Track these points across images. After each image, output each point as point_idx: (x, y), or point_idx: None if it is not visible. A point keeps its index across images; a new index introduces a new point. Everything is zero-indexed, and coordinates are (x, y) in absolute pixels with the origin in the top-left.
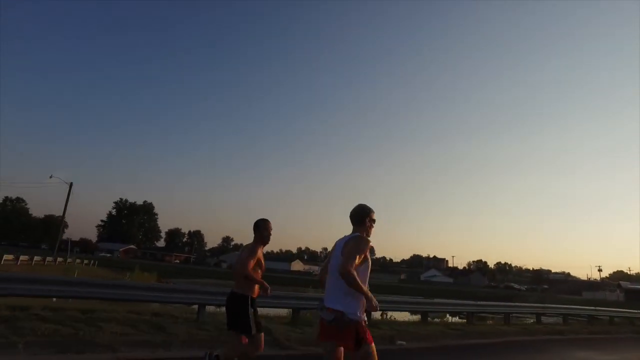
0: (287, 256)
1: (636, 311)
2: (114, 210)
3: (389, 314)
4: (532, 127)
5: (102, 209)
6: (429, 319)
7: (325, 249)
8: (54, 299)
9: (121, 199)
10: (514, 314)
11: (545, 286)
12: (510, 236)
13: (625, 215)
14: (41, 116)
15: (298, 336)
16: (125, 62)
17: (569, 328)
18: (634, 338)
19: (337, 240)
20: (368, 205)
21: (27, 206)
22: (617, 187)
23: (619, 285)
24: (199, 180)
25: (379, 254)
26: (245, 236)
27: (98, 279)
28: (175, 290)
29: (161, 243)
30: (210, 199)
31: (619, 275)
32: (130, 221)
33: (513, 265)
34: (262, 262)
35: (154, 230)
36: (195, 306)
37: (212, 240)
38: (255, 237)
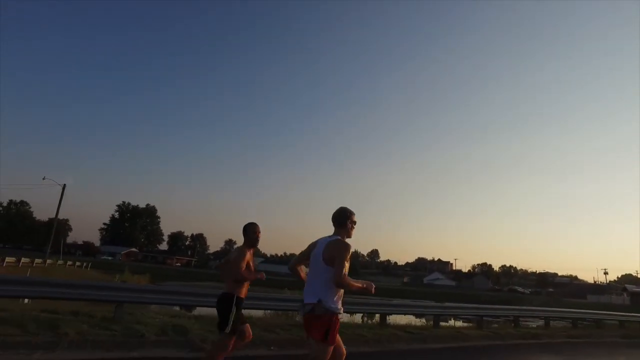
0: (290, 259)
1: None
2: (117, 213)
3: (356, 316)
4: (535, 127)
5: (106, 212)
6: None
7: None
8: None
9: (124, 202)
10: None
11: (551, 289)
12: (516, 239)
13: (634, 218)
14: (43, 118)
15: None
16: (128, 63)
17: (548, 332)
18: (616, 343)
19: (319, 238)
20: (349, 208)
21: (31, 209)
22: (625, 189)
23: (625, 289)
24: (201, 183)
25: (383, 257)
26: None
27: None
28: (92, 287)
29: (164, 246)
30: (213, 202)
31: (627, 279)
32: (133, 224)
33: (518, 268)
34: (251, 264)
35: (157, 234)
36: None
37: (214, 244)
38: (244, 241)
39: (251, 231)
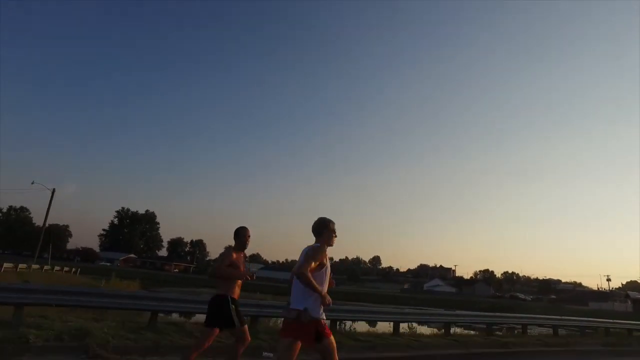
0: (292, 265)
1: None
2: (116, 219)
3: (347, 323)
4: (539, 133)
5: (107, 218)
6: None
7: (331, 258)
8: None
9: (123, 208)
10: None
11: (553, 296)
12: (519, 245)
13: (639, 224)
14: (41, 124)
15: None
16: (129, 69)
17: (519, 340)
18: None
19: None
20: (328, 217)
21: (31, 215)
22: (629, 195)
23: (627, 296)
24: (202, 189)
25: (385, 263)
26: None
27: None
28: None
29: (163, 252)
30: (213, 208)
31: (631, 285)
32: (132, 230)
33: (521, 274)
34: (241, 265)
35: (156, 240)
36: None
37: (214, 250)
38: (235, 243)
39: (242, 234)
